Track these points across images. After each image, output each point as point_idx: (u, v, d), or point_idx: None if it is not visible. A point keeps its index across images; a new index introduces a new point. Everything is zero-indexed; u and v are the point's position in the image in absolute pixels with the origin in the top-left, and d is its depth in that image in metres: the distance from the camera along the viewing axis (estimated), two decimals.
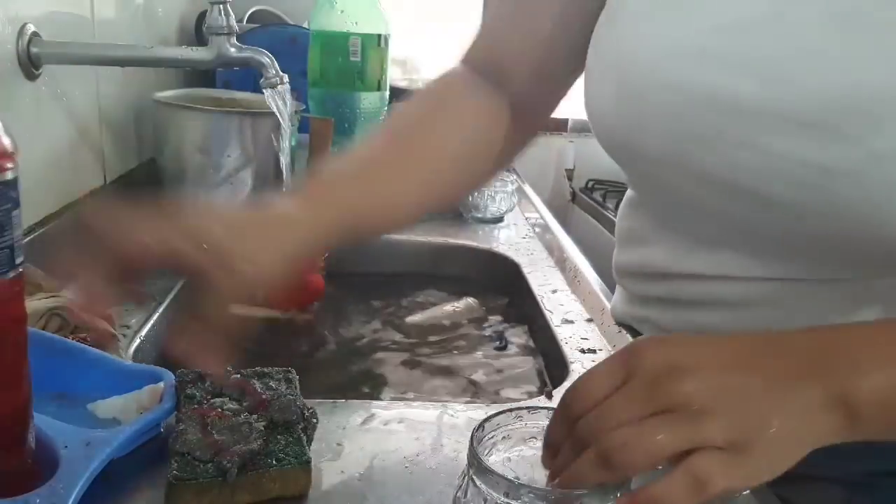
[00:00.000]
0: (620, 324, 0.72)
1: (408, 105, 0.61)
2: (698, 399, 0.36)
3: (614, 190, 1.94)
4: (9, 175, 0.38)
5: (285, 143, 0.86)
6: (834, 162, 0.44)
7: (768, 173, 0.47)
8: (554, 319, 0.81)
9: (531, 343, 0.86)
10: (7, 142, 0.38)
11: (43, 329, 0.61)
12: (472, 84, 0.62)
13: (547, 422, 0.42)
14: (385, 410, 0.61)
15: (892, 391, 0.37)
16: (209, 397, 0.52)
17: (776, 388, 0.37)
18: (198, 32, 1.42)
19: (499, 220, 1.15)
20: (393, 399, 0.73)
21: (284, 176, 0.86)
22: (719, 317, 0.58)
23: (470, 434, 0.41)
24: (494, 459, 0.43)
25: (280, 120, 0.85)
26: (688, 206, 0.55)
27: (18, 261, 0.40)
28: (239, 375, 0.54)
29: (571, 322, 0.80)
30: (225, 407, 0.51)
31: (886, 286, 0.51)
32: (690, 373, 0.37)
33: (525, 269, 0.96)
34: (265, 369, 0.56)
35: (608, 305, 0.80)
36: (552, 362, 0.77)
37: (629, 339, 0.73)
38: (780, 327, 0.41)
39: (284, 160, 0.86)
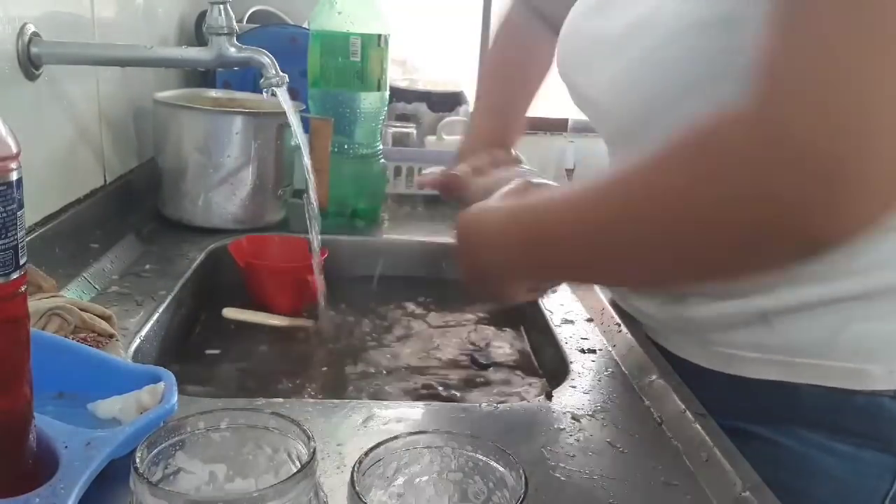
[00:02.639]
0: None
1: (499, 47, 0.97)
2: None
3: None
4: (13, 176, 0.38)
5: (301, 140, 0.86)
6: (634, 72, 0.61)
7: (608, 88, 0.64)
8: (554, 319, 0.81)
9: (531, 343, 0.87)
10: (11, 143, 0.38)
11: (43, 329, 0.61)
12: (528, 24, 0.93)
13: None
14: (385, 410, 0.61)
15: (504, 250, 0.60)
16: None
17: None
18: (198, 32, 1.42)
19: None
20: (393, 399, 0.73)
21: (307, 174, 0.86)
22: None
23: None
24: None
25: (290, 119, 0.85)
26: (599, 130, 0.72)
27: (23, 261, 0.40)
28: None
29: (571, 322, 0.80)
30: None
31: None
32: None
33: None
34: None
35: (608, 305, 0.80)
36: (552, 362, 0.77)
37: (629, 338, 0.73)
38: None
39: (305, 157, 0.86)
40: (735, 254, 0.48)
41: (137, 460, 0.37)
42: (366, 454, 0.39)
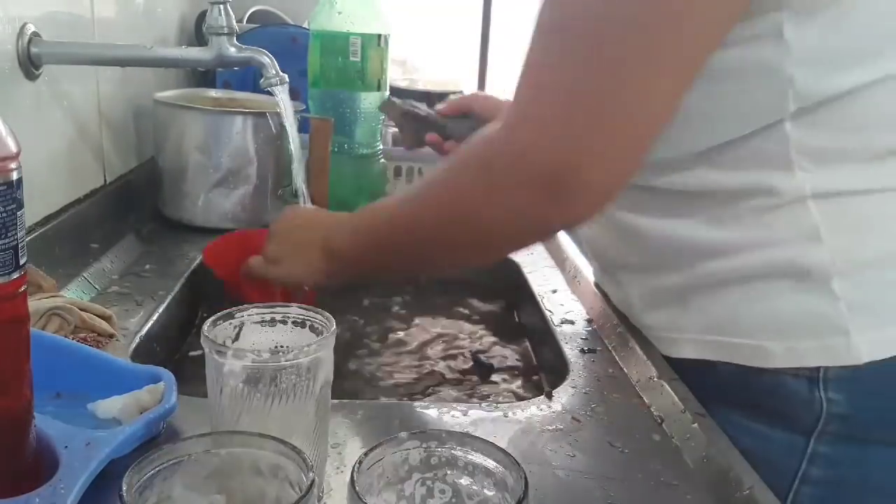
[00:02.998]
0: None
1: None
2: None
3: None
4: (13, 176, 0.38)
5: (293, 142, 0.86)
6: None
7: None
8: (554, 319, 0.81)
9: (531, 343, 0.87)
10: (11, 143, 0.38)
11: (43, 329, 0.61)
12: None
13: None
14: (385, 410, 0.61)
15: (350, 251, 0.69)
16: None
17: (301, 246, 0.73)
18: (198, 32, 1.42)
19: None
20: (393, 399, 0.73)
21: (294, 174, 0.86)
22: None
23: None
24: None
25: (285, 120, 0.85)
26: None
27: (23, 261, 0.40)
28: None
29: (571, 322, 0.80)
30: None
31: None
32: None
33: (525, 270, 0.96)
34: None
35: (608, 306, 0.80)
36: (552, 362, 0.77)
37: (629, 338, 0.73)
38: None
39: (295, 156, 0.86)
40: (492, 243, 0.62)
41: (124, 489, 0.36)
42: (366, 454, 0.39)
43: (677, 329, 0.67)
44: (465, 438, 0.41)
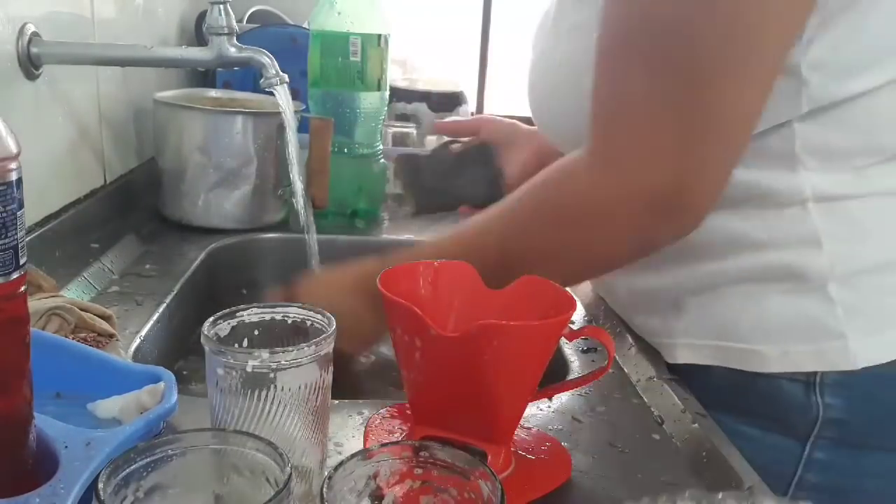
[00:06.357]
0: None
1: None
2: None
3: None
4: (13, 176, 0.38)
5: (292, 145, 0.86)
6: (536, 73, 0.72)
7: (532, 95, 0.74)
8: None
9: None
10: (11, 143, 0.38)
11: (43, 329, 0.61)
12: None
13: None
14: (384, 411, 0.61)
15: None
16: None
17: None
18: (198, 32, 1.42)
19: None
20: (393, 399, 0.73)
21: (292, 175, 0.86)
22: None
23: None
24: None
25: (286, 119, 0.85)
26: None
27: (22, 261, 0.40)
28: None
29: (572, 322, 0.80)
30: None
31: None
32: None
33: None
34: None
35: (608, 305, 0.80)
36: (552, 362, 0.77)
37: (629, 339, 0.73)
38: None
39: (293, 159, 0.86)
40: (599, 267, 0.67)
41: (100, 486, 0.35)
42: (335, 469, 0.38)
43: (671, 334, 0.67)
44: (442, 451, 0.40)
